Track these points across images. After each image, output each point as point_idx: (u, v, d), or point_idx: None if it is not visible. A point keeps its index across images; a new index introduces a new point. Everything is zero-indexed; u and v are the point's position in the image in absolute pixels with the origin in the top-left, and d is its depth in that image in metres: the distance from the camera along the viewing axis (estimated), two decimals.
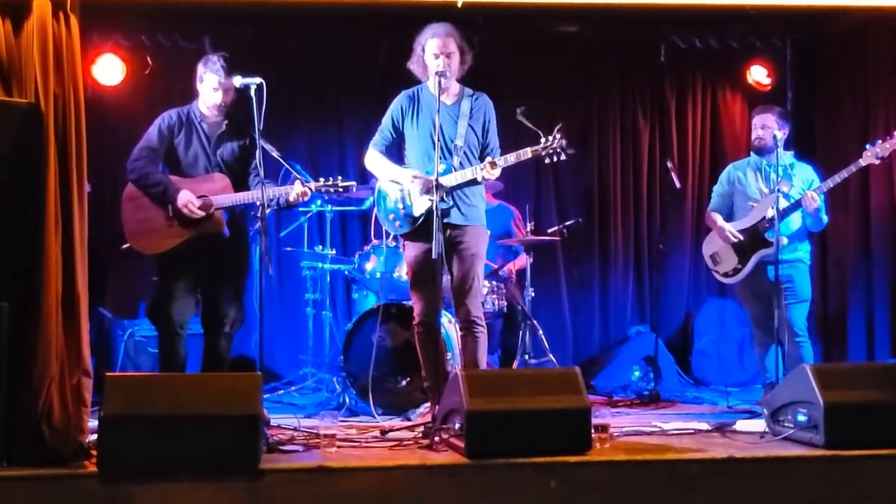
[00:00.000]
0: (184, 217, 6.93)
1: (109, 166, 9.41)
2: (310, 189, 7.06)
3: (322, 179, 7.27)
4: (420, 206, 6.87)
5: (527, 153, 6.83)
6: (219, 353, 7.16)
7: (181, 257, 7.01)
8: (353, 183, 7.33)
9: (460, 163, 6.90)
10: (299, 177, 7.11)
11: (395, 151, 7.27)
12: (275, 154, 7.16)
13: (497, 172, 6.85)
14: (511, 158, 6.85)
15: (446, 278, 6.99)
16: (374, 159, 7.18)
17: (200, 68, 7.12)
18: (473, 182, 6.91)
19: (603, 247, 10.70)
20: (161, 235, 7.01)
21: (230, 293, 7.17)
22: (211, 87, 7.07)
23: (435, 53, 6.92)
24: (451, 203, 6.85)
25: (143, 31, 9.73)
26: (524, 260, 9.16)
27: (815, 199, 7.68)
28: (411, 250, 6.98)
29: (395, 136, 7.15)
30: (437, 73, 6.81)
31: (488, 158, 6.83)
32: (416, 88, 7.13)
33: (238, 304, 7.23)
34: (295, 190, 7.06)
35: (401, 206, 6.98)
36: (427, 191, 6.78)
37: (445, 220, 6.82)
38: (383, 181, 7.16)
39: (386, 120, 7.17)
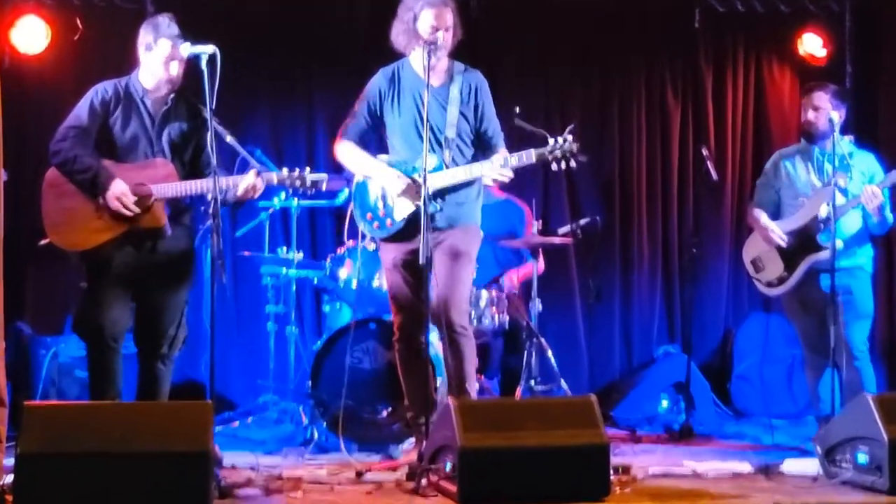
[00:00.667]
0: (109, 211, 6.90)
1: (31, 149, 9.39)
2: (266, 181, 6.95)
3: (286, 170, 7.20)
4: (403, 209, 6.90)
5: (530, 156, 6.86)
6: (157, 379, 7.15)
7: (113, 257, 6.98)
8: (324, 176, 7.24)
9: (452, 158, 6.92)
10: (256, 165, 7.05)
11: (373, 140, 7.27)
12: (228, 139, 7.12)
13: (508, 174, 6.91)
14: (513, 161, 6.87)
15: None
16: (346, 150, 7.20)
17: (148, 33, 7.06)
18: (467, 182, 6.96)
19: (625, 251, 10.71)
20: (88, 229, 6.96)
21: (170, 305, 7.15)
22: (163, 55, 7.01)
23: (433, 25, 6.92)
24: (440, 207, 6.86)
25: None
26: (530, 268, 9.16)
27: (878, 196, 7.66)
28: (389, 251, 7.01)
29: (371, 122, 7.17)
30: (425, 41, 6.79)
31: (497, 154, 6.84)
32: (396, 66, 7.15)
33: (180, 320, 7.21)
34: (245, 181, 6.98)
35: (380, 204, 7.01)
36: (413, 195, 6.82)
37: (430, 224, 6.82)
38: (360, 175, 7.16)
39: (360, 104, 7.18)
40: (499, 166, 6.85)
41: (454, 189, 6.94)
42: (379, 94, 7.08)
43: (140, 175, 6.97)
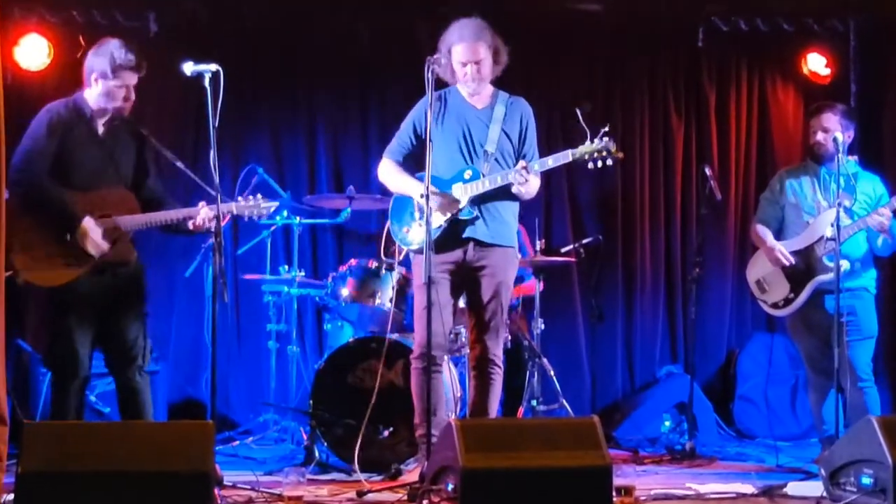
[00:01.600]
0: (75, 245, 6.87)
1: None
2: (220, 211, 6.77)
3: (241, 198, 7.30)
4: (436, 219, 7.00)
5: (567, 156, 7.01)
6: (138, 391, 7.14)
7: (80, 289, 6.97)
8: (276, 203, 7.45)
9: (490, 170, 7.02)
10: (213, 191, 6.80)
11: (415, 161, 7.34)
12: (179, 164, 7.16)
13: (534, 181, 7.05)
14: (549, 162, 7.05)
15: (450, 307, 7.05)
16: (386, 169, 7.37)
17: (104, 61, 7.05)
18: (506, 196, 7.06)
19: (627, 270, 10.69)
20: (57, 264, 6.93)
21: (135, 320, 7.15)
22: (121, 83, 7.06)
23: (462, 61, 7.10)
24: (476, 214, 6.95)
25: (74, 5, 9.73)
26: (532, 285, 9.16)
27: (886, 218, 7.67)
28: (422, 267, 6.95)
29: (415, 142, 7.31)
30: (429, 58, 6.87)
31: (521, 162, 6.90)
32: (444, 91, 7.28)
33: (144, 331, 7.21)
34: (200, 215, 7.02)
35: (417, 215, 7.11)
36: (442, 206, 6.93)
37: (468, 235, 7.03)
38: (397, 192, 7.35)
39: (406, 125, 7.33)
40: (528, 170, 6.91)
41: (495, 203, 7.06)
42: (425, 115, 7.13)
43: (102, 204, 6.95)
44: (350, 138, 10.21)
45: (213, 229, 6.85)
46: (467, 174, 7.04)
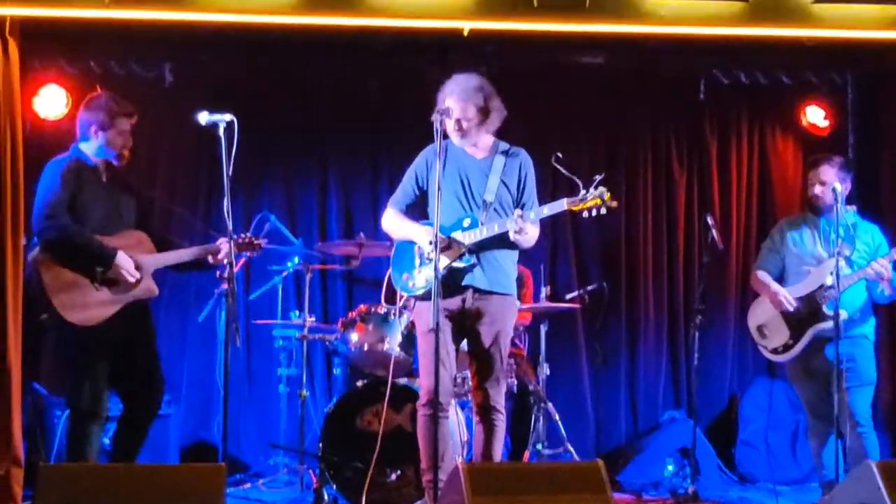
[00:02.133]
0: (114, 282, 6.95)
1: None
2: (229, 261, 6.81)
3: (244, 236, 7.59)
4: (439, 264, 6.90)
5: (561, 205, 6.93)
6: (143, 439, 7.25)
7: (107, 328, 7.06)
8: (264, 241, 7.79)
9: (489, 220, 6.99)
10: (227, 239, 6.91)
11: (418, 211, 7.35)
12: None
13: (532, 230, 7.01)
14: (544, 211, 7.00)
15: (462, 352, 7.04)
16: (389, 218, 7.38)
17: (100, 113, 7.29)
18: (505, 245, 7.03)
19: (631, 317, 10.68)
20: (92, 304, 7.04)
21: (155, 361, 7.22)
22: (121, 130, 7.27)
23: (457, 119, 7.13)
24: (474, 262, 6.93)
25: (92, 56, 9.77)
26: (527, 316, 9.16)
27: (887, 269, 7.67)
28: (424, 313, 6.96)
29: (417, 192, 7.32)
30: (438, 111, 6.89)
31: (517, 211, 6.89)
32: (447, 141, 7.23)
33: (161, 373, 7.35)
34: (223, 251, 7.22)
35: (417, 263, 7.12)
36: (445, 249, 6.87)
37: (467, 283, 6.99)
38: (400, 240, 7.34)
39: (409, 175, 7.35)
40: (524, 219, 6.87)
41: (493, 251, 7.03)
42: (426, 166, 7.22)
43: (123, 246, 7.07)
44: (360, 185, 10.23)
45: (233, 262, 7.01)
46: (466, 222, 7.02)
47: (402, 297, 7.61)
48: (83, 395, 7.08)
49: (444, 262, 6.92)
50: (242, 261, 7.63)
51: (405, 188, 7.35)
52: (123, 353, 7.18)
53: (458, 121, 7.10)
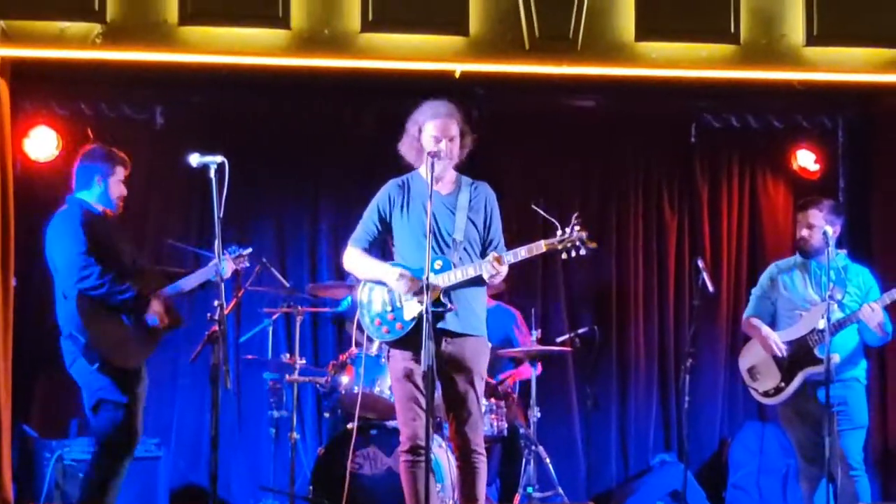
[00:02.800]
0: (146, 324, 7.14)
1: (38, 256, 9.40)
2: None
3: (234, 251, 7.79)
4: (411, 309, 6.82)
5: (540, 247, 6.83)
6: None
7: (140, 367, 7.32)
8: (249, 250, 8.00)
9: (460, 259, 6.88)
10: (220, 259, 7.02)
11: (380, 248, 7.27)
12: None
13: (504, 271, 6.82)
14: (522, 253, 6.85)
15: (438, 395, 6.95)
16: (353, 258, 7.16)
17: (96, 163, 7.57)
18: (475, 283, 6.90)
19: (622, 360, 10.67)
20: (133, 347, 7.33)
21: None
22: (120, 178, 7.53)
23: (435, 136, 6.93)
24: (450, 305, 6.83)
25: (83, 98, 9.78)
26: (528, 370, 9.14)
27: (878, 313, 7.68)
28: (400, 361, 6.91)
29: (380, 229, 7.12)
30: (429, 153, 6.81)
31: (493, 254, 6.81)
32: (407, 177, 7.13)
33: None
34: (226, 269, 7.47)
35: (388, 308, 6.93)
36: (418, 292, 6.75)
37: (440, 326, 6.78)
38: (367, 281, 7.14)
39: (370, 212, 7.15)
40: (502, 262, 6.79)
41: (464, 291, 6.89)
42: (389, 201, 7.06)
43: (144, 284, 7.24)
44: (351, 227, 10.15)
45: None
46: (437, 264, 6.79)
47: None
48: (130, 435, 7.33)
49: (416, 309, 6.79)
50: (234, 303, 7.71)
51: (367, 225, 7.15)
52: (144, 388, 7.50)
53: (447, 140, 6.93)
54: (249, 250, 8.01)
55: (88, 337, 7.13)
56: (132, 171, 7.72)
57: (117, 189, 7.52)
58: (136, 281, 7.32)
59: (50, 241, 7.44)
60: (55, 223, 7.41)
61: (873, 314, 7.67)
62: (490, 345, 7.21)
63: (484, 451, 6.94)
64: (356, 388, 8.37)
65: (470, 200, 7.02)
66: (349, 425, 8.32)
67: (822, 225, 7.90)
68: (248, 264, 8.03)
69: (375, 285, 7.04)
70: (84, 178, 7.49)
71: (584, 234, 6.81)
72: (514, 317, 9.54)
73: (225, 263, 7.39)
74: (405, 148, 7.08)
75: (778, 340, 8.00)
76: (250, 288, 8.71)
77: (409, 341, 6.82)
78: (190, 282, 7.55)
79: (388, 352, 7.12)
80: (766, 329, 8.12)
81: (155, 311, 7.25)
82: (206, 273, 7.51)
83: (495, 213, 7.11)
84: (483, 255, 6.95)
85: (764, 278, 8.37)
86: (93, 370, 7.20)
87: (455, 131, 6.97)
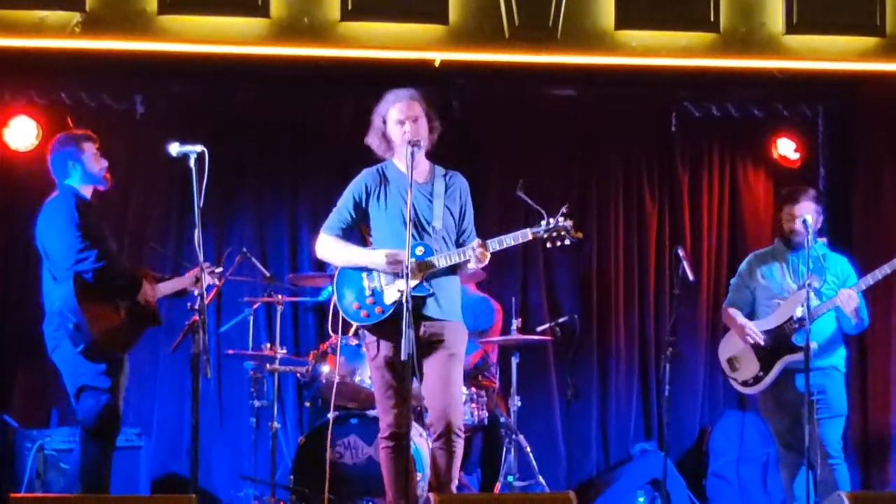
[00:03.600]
0: (136, 311, 7.10)
1: (20, 245, 9.41)
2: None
3: (206, 265, 7.47)
4: (392, 293, 6.84)
5: (526, 235, 6.85)
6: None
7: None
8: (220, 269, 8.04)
9: (439, 247, 6.90)
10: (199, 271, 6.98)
11: (353, 237, 7.27)
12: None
13: (487, 259, 6.85)
14: (508, 241, 6.87)
15: (416, 384, 6.96)
16: (328, 244, 7.15)
17: (69, 145, 7.47)
18: (451, 271, 6.93)
19: (602, 349, 10.68)
20: (123, 332, 7.28)
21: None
22: (94, 152, 7.47)
23: (399, 119, 6.94)
24: (430, 291, 6.86)
25: (63, 88, 9.77)
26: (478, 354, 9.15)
27: (854, 299, 7.70)
28: (378, 349, 6.93)
29: (354, 217, 7.12)
30: (409, 142, 6.82)
31: (477, 241, 6.83)
32: (382, 165, 7.14)
33: None
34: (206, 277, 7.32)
35: (368, 293, 6.95)
36: (400, 276, 6.73)
37: (420, 312, 6.82)
38: (344, 267, 7.15)
39: (345, 199, 7.15)
40: (487, 248, 6.82)
41: (442, 278, 6.91)
42: (366, 189, 7.06)
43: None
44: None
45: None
46: (419, 251, 6.81)
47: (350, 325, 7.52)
48: (115, 421, 7.33)
49: (397, 293, 6.78)
50: (214, 292, 7.73)
51: (340, 213, 7.13)
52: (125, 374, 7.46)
53: (411, 122, 6.91)
54: (220, 269, 8.11)
55: (81, 319, 7.05)
56: (112, 159, 7.69)
57: (95, 164, 7.46)
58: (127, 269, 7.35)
59: (42, 225, 7.36)
60: (48, 208, 7.35)
61: (849, 300, 7.70)
62: (468, 332, 7.23)
63: (463, 435, 6.95)
64: (336, 377, 8.39)
65: (446, 189, 7.05)
66: (330, 415, 8.34)
67: (813, 214, 7.89)
68: (217, 282, 8.06)
69: (352, 270, 7.04)
70: (60, 168, 7.44)
71: (569, 224, 6.83)
72: (493, 309, 9.53)
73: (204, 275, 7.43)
74: (373, 141, 7.10)
75: (755, 329, 8.02)
76: (230, 278, 8.69)
77: (388, 328, 6.84)
78: (173, 286, 7.59)
79: (369, 340, 7.06)
80: (741, 318, 8.15)
81: (147, 299, 7.26)
82: (184, 282, 7.61)
83: (469, 203, 7.15)
84: (457, 243, 6.97)
85: (742, 268, 8.40)
86: (76, 353, 7.13)
87: (418, 111, 6.98)
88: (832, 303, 7.77)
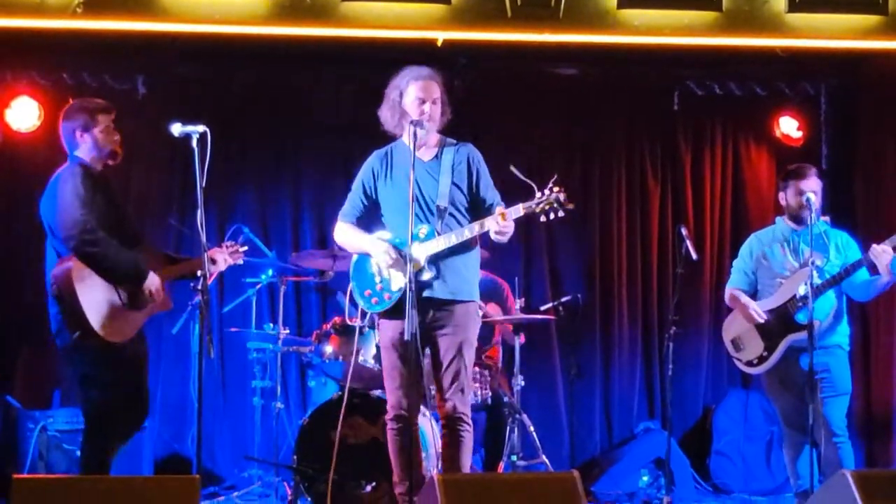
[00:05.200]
0: (137, 298, 6.92)
1: (21, 225, 9.41)
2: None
3: (229, 244, 7.59)
4: (398, 279, 6.84)
5: (518, 210, 6.78)
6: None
7: (129, 343, 7.00)
8: (245, 248, 7.76)
9: (445, 225, 6.87)
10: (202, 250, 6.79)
11: (370, 220, 7.27)
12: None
13: (511, 227, 6.78)
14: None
15: (426, 363, 6.95)
16: (343, 231, 7.19)
17: (81, 115, 7.18)
18: (463, 249, 6.90)
19: (605, 328, 10.69)
20: (123, 320, 6.96)
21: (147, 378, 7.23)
22: (107, 125, 7.17)
23: (420, 97, 6.92)
24: (436, 273, 6.83)
25: (65, 68, 9.76)
26: (511, 338, 9.13)
27: (888, 253, 7.53)
28: (388, 330, 6.93)
29: (367, 203, 7.14)
30: (412, 122, 6.80)
31: (499, 208, 6.80)
32: (391, 146, 7.13)
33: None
34: (218, 263, 7.36)
35: (378, 279, 6.96)
36: (401, 265, 6.76)
37: (427, 294, 6.81)
38: (357, 253, 7.16)
39: (356, 187, 7.18)
40: (494, 223, 6.79)
41: (452, 258, 6.88)
42: (373, 174, 7.06)
43: (147, 261, 7.04)
44: (334, 197, 10.17)
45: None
46: (422, 232, 6.82)
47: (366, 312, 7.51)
48: (112, 413, 7.02)
49: (402, 279, 6.78)
50: (215, 275, 7.65)
51: (353, 200, 7.17)
52: (137, 368, 7.13)
53: (431, 103, 6.90)
54: (245, 248, 7.86)
55: (78, 304, 6.81)
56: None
57: (106, 137, 7.14)
58: (137, 252, 7.05)
59: (47, 198, 7.05)
60: (55, 181, 7.05)
61: (883, 254, 7.54)
62: (481, 312, 7.22)
63: (470, 421, 6.94)
64: (341, 357, 8.38)
65: (453, 164, 7.02)
66: (333, 395, 8.33)
67: (815, 191, 7.88)
68: (241, 262, 7.85)
69: (365, 257, 7.07)
70: (69, 139, 7.17)
71: (561, 196, 6.76)
72: (501, 288, 9.52)
73: (222, 256, 7.45)
74: (384, 113, 7.06)
75: (758, 308, 8.00)
76: (248, 259, 8.68)
77: (397, 311, 6.83)
78: (182, 269, 7.33)
79: (378, 321, 7.11)
80: (744, 298, 8.13)
81: (151, 287, 6.92)
82: (195, 265, 7.23)
83: (483, 172, 7.10)
84: (476, 215, 6.94)
85: (744, 249, 8.38)
86: (74, 339, 6.92)
87: (438, 93, 6.96)
88: (834, 279, 7.72)
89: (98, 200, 7.00)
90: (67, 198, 6.91)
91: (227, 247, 7.61)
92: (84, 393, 7.16)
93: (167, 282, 7.15)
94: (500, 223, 6.71)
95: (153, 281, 6.92)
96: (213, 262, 7.42)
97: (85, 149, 7.13)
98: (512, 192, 6.99)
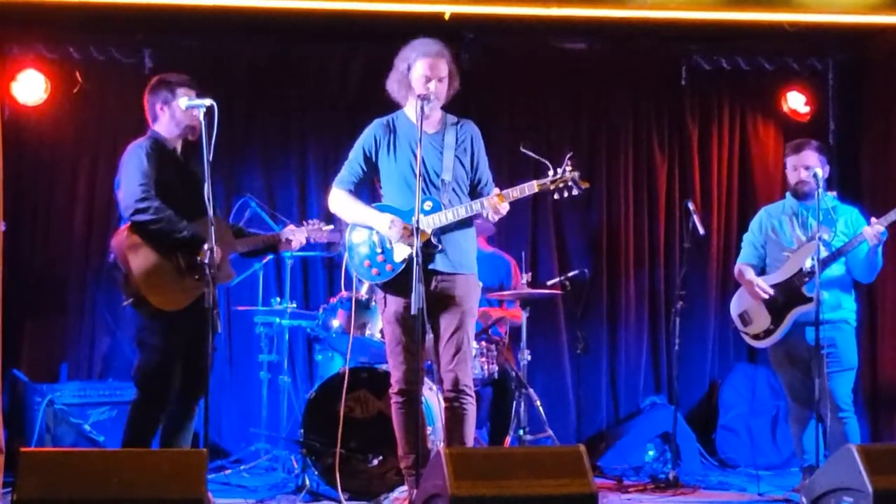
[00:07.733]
0: (197, 268, 6.86)
1: (29, 199, 9.41)
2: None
3: (312, 222, 7.77)
4: (402, 251, 6.83)
5: (532, 187, 6.81)
6: (191, 420, 7.27)
7: (184, 313, 6.98)
8: (331, 227, 7.86)
9: (449, 200, 6.87)
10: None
11: (366, 189, 7.25)
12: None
13: (506, 208, 6.82)
14: (514, 193, 6.82)
15: (429, 338, 6.94)
16: (340, 200, 7.14)
17: (163, 89, 7.19)
18: (463, 224, 6.90)
19: (612, 303, 10.68)
20: (177, 289, 6.99)
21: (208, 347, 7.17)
22: (186, 106, 6.99)
23: (426, 76, 6.89)
24: (440, 246, 6.83)
25: (71, 42, 9.75)
26: (518, 312, 9.11)
27: (878, 227, 7.59)
28: (390, 304, 6.93)
29: (366, 170, 7.10)
30: (419, 96, 6.78)
31: (495, 190, 6.81)
32: (392, 116, 7.11)
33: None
34: (297, 238, 7.55)
35: (379, 250, 6.94)
36: (408, 237, 6.73)
37: (430, 267, 6.80)
38: (354, 224, 7.12)
39: (355, 152, 7.13)
40: (496, 196, 6.78)
41: (453, 231, 6.89)
42: (375, 141, 7.03)
43: (204, 232, 6.92)
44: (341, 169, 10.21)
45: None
46: (427, 205, 6.79)
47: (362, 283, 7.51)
48: (160, 380, 7.06)
49: (406, 251, 6.79)
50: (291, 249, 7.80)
51: (352, 167, 7.11)
52: (192, 341, 6.96)
53: (437, 81, 6.88)
54: (331, 227, 7.95)
55: (130, 270, 6.89)
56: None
57: (183, 115, 7.12)
58: (199, 224, 6.94)
59: (120, 168, 7.16)
60: (126, 153, 7.14)
61: (876, 232, 7.59)
62: (481, 284, 7.22)
63: (473, 393, 6.94)
64: (346, 331, 8.38)
65: (457, 139, 7.01)
66: (340, 369, 8.33)
67: (817, 165, 7.90)
68: (325, 240, 8.02)
69: (364, 228, 7.03)
70: (152, 112, 7.22)
71: (576, 174, 6.79)
72: (508, 265, 9.50)
73: (298, 234, 7.65)
74: (391, 84, 7.05)
75: (763, 283, 8.01)
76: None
77: (399, 284, 6.83)
78: (247, 243, 7.50)
79: (381, 295, 7.08)
80: (750, 274, 8.14)
81: (205, 259, 6.66)
82: (266, 240, 7.64)
83: (482, 152, 7.12)
84: (472, 195, 6.95)
85: (753, 224, 8.39)
86: (128, 305, 7.01)
87: (445, 72, 6.93)
88: (839, 252, 7.73)
89: (164, 173, 7.05)
90: (129, 169, 7.02)
91: (307, 224, 7.66)
92: (136, 359, 7.22)
93: (232, 255, 7.18)
94: (497, 205, 6.75)
95: (212, 251, 6.80)
96: (289, 241, 7.64)
97: (163, 122, 7.21)
98: (521, 168, 6.99)
